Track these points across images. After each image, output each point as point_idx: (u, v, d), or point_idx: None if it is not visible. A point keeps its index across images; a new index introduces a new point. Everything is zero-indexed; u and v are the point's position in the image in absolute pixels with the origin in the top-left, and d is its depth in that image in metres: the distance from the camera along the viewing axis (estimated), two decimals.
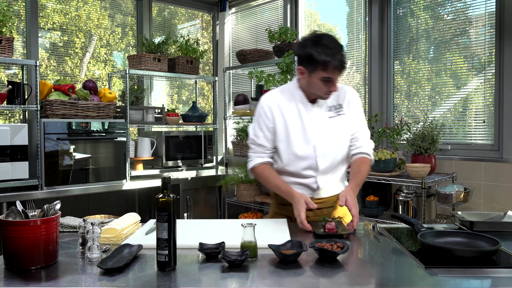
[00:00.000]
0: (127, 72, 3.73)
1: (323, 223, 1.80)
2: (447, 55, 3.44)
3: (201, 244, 1.50)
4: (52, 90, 3.37)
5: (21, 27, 3.77)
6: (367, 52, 3.83)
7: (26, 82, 3.34)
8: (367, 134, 2.04)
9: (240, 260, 1.38)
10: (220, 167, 4.44)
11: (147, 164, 4.05)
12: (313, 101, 1.96)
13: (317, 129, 1.93)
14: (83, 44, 4.16)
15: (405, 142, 3.31)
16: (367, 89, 3.83)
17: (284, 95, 1.99)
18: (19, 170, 3.03)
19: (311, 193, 1.98)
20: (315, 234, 1.72)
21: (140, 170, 3.87)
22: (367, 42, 3.83)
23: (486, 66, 3.22)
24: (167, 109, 4.17)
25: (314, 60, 1.79)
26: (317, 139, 1.93)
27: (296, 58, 3.52)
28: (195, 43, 4.20)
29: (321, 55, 1.77)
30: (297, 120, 1.94)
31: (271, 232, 1.77)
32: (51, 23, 3.97)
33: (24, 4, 3.76)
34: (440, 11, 3.50)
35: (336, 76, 1.83)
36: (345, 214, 1.99)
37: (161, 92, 4.74)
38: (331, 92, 1.88)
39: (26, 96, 3.28)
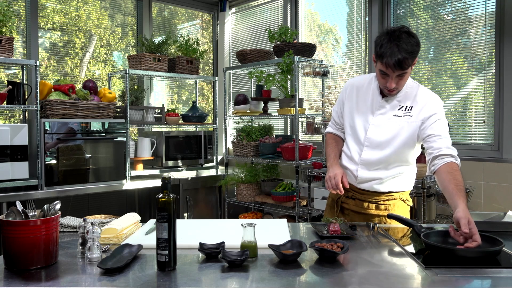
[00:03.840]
0: (127, 72, 3.73)
1: (327, 224, 1.80)
2: (447, 55, 3.44)
3: (201, 244, 1.50)
4: (52, 90, 3.37)
5: (21, 27, 3.77)
6: (367, 52, 3.83)
7: (26, 82, 3.34)
8: (447, 140, 1.83)
9: (240, 260, 1.38)
10: (220, 167, 4.44)
11: (147, 164, 4.05)
12: (384, 94, 1.97)
13: (377, 121, 1.95)
14: (83, 44, 4.16)
15: None
16: None
17: (367, 80, 2.05)
18: (19, 170, 3.03)
19: (353, 181, 2.04)
20: (319, 236, 1.71)
21: (140, 170, 3.87)
22: (367, 42, 3.83)
23: (486, 66, 3.22)
24: (167, 109, 4.17)
25: (377, 50, 1.82)
26: (371, 130, 1.96)
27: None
28: (195, 43, 4.20)
29: (383, 47, 1.78)
30: (365, 108, 2.00)
31: (271, 232, 1.77)
32: (51, 23, 3.97)
33: (24, 4, 3.76)
34: (440, 11, 3.50)
35: (391, 73, 1.80)
36: (381, 218, 2.01)
37: (161, 92, 4.74)
38: (387, 88, 1.86)
39: (26, 96, 3.27)
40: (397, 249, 1.59)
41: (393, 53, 1.75)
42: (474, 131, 3.31)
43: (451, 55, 3.42)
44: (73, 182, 3.33)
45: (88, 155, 3.43)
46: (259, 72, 3.72)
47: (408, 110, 1.92)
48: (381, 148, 1.94)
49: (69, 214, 2.11)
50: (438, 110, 1.89)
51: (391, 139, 1.93)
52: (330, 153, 2.10)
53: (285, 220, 1.97)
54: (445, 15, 3.47)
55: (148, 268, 1.39)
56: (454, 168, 1.73)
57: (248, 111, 4.06)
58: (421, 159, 3.14)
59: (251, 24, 4.87)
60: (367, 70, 3.82)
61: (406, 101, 1.94)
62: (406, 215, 2.06)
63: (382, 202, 2.02)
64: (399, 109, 1.93)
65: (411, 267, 1.40)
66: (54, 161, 3.22)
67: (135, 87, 4.34)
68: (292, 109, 3.60)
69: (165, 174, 1.41)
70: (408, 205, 2.08)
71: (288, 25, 4.40)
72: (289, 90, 3.74)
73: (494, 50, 3.16)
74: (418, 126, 1.89)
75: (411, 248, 1.59)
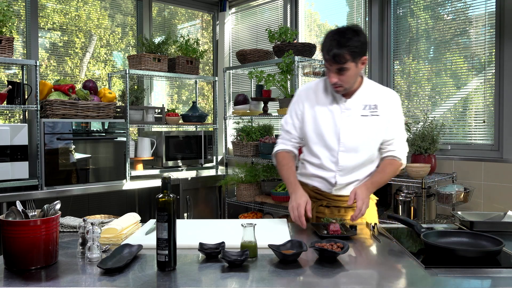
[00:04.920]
0: (127, 72, 3.73)
1: (327, 224, 1.80)
2: (447, 55, 3.44)
3: (201, 244, 1.50)
4: (52, 90, 3.37)
5: (21, 27, 3.77)
6: (367, 52, 3.83)
7: (26, 82, 3.34)
8: (402, 140, 2.00)
9: (240, 260, 1.38)
10: (220, 167, 4.44)
11: (147, 164, 4.05)
12: (348, 95, 1.94)
13: (346, 124, 1.91)
14: (83, 44, 4.16)
15: None
16: None
17: (320, 86, 2.00)
18: (19, 170, 3.03)
19: (329, 188, 1.98)
20: (319, 236, 1.71)
21: (140, 170, 3.87)
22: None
23: (486, 66, 3.22)
24: (167, 109, 4.17)
25: (321, 46, 1.85)
26: (344, 134, 1.91)
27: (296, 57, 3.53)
28: (195, 43, 4.20)
29: (324, 42, 1.82)
30: (328, 112, 1.94)
31: (271, 232, 1.77)
32: (51, 23, 3.97)
33: (24, 4, 3.76)
34: (440, 11, 3.50)
35: (329, 66, 1.82)
36: (364, 217, 1.97)
37: (161, 92, 4.74)
38: (333, 84, 1.85)
39: (26, 96, 3.27)
40: (397, 249, 1.59)
41: (331, 46, 1.78)
42: (474, 131, 3.31)
43: (451, 55, 3.42)
44: (73, 182, 3.33)
45: (88, 155, 3.43)
46: (259, 72, 3.72)
47: (373, 108, 1.92)
48: (356, 150, 1.92)
49: (69, 214, 2.11)
50: (399, 108, 1.98)
51: (365, 140, 1.93)
52: (289, 176, 1.96)
53: (285, 220, 1.97)
54: (445, 15, 3.47)
55: (148, 268, 1.39)
56: (391, 163, 1.97)
57: (248, 111, 4.06)
58: (420, 159, 3.14)
59: (251, 24, 4.87)
60: (367, 70, 3.82)
61: (368, 99, 1.93)
62: (374, 211, 2.07)
63: (355, 205, 1.93)
64: (363, 109, 1.92)
65: (411, 267, 1.40)
66: (54, 161, 3.22)
67: (135, 87, 4.34)
68: None
69: (165, 174, 1.41)
70: (372, 200, 2.06)
71: (288, 25, 4.40)
72: (289, 90, 3.74)
73: (494, 50, 3.16)
74: (386, 125, 1.94)
75: (411, 248, 1.59)
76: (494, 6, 3.15)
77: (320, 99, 1.97)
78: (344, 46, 1.77)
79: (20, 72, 3.53)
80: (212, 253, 1.46)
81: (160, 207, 1.36)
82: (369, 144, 1.94)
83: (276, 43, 3.79)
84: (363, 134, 1.91)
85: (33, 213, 1.46)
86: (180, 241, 1.46)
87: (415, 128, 3.32)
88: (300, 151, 2.12)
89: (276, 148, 2.07)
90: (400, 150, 1.98)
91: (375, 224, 1.89)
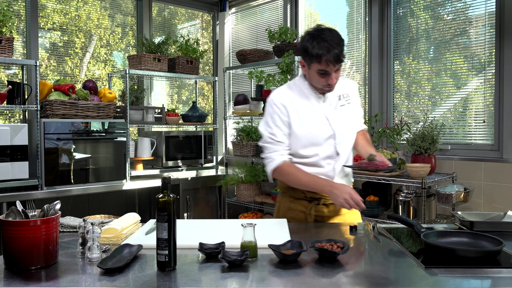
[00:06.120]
0: (127, 72, 3.73)
1: (371, 158, 1.88)
2: (447, 55, 3.44)
3: (201, 244, 1.50)
4: (52, 90, 3.37)
5: (21, 27, 3.77)
6: (367, 52, 3.83)
7: (26, 82, 3.34)
8: (361, 114, 2.20)
9: (240, 260, 1.38)
10: (220, 167, 4.44)
11: (147, 164, 4.05)
12: (322, 92, 1.98)
13: (332, 117, 1.97)
14: (83, 44, 4.16)
15: (405, 142, 3.30)
16: (367, 89, 3.83)
17: (293, 90, 2.01)
18: (19, 170, 3.03)
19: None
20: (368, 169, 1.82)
21: (140, 170, 3.87)
22: (367, 42, 3.83)
23: (486, 66, 3.22)
24: (167, 109, 4.17)
25: (309, 53, 1.82)
26: (335, 126, 1.96)
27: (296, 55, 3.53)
28: (195, 43, 4.20)
29: (315, 48, 1.80)
30: (311, 112, 1.96)
31: (271, 232, 1.77)
32: (51, 23, 3.97)
33: (24, 4, 3.76)
34: (440, 11, 3.50)
35: (332, 69, 1.83)
36: (354, 216, 2.06)
37: (161, 92, 4.74)
38: (329, 85, 1.89)
39: (26, 96, 3.27)
40: (397, 249, 1.59)
41: (329, 49, 1.78)
42: (474, 131, 3.31)
43: (451, 55, 3.42)
44: (73, 182, 3.33)
45: (88, 155, 3.43)
46: (259, 72, 3.73)
47: (346, 97, 2.03)
48: (348, 137, 2.02)
49: (69, 214, 2.11)
50: (357, 91, 2.14)
51: (350, 126, 2.04)
52: (310, 178, 1.92)
53: (285, 220, 1.97)
54: (445, 15, 3.47)
55: (148, 268, 1.39)
56: (364, 133, 2.13)
57: (248, 111, 4.06)
58: (420, 159, 3.14)
59: (251, 24, 4.87)
60: (367, 70, 3.83)
61: (338, 90, 2.01)
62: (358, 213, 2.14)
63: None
64: (339, 99, 2.01)
65: (411, 267, 1.40)
66: (54, 161, 3.22)
67: (135, 87, 4.34)
68: None
69: (165, 174, 1.41)
70: None
71: (288, 25, 4.40)
72: None
73: (494, 50, 3.16)
74: (357, 109, 2.10)
75: (411, 248, 1.59)
76: (494, 6, 3.15)
77: (300, 102, 1.97)
78: (337, 44, 1.81)
79: (20, 72, 3.53)
80: (212, 253, 1.46)
81: (160, 207, 1.35)
82: (352, 128, 2.07)
83: (276, 43, 3.79)
84: (348, 122, 2.02)
85: (33, 213, 1.46)
86: (180, 241, 1.46)
87: (415, 128, 3.32)
88: None
89: (275, 163, 1.95)
90: (362, 122, 2.18)
91: (375, 224, 1.89)
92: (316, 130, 1.95)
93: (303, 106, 1.96)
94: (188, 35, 4.22)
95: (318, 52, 1.79)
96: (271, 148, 1.97)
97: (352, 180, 2.15)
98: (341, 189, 1.84)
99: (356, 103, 2.10)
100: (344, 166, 2.00)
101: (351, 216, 2.06)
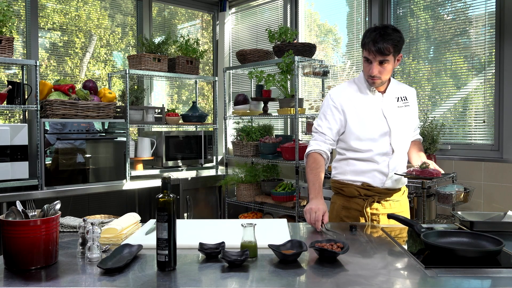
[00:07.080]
0: (127, 72, 3.73)
1: (425, 167, 1.94)
2: (447, 55, 3.44)
3: (201, 244, 1.50)
4: (52, 90, 3.37)
5: (21, 27, 3.77)
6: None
7: (26, 82, 3.34)
8: (418, 124, 2.30)
9: (240, 260, 1.38)
10: (220, 167, 4.44)
11: (147, 164, 4.05)
12: (383, 91, 2.08)
13: (390, 114, 2.05)
14: (83, 44, 4.16)
15: None
16: None
17: (352, 87, 2.11)
18: (19, 170, 3.03)
19: (381, 181, 2.05)
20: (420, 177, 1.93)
21: (140, 170, 3.87)
22: None
23: (486, 66, 3.22)
24: (167, 109, 4.17)
25: (363, 40, 1.98)
26: (391, 123, 2.03)
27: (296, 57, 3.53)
28: (195, 43, 4.20)
29: (366, 37, 1.96)
30: (369, 108, 2.05)
31: (271, 232, 1.77)
32: (51, 23, 3.97)
33: (24, 4, 3.76)
34: (440, 11, 3.50)
35: (373, 58, 1.95)
36: (402, 210, 2.13)
37: (161, 92, 4.74)
38: (371, 77, 1.98)
39: (26, 96, 3.27)
40: (397, 249, 1.59)
41: (375, 39, 1.92)
42: (474, 131, 3.31)
43: (451, 55, 3.42)
44: (73, 182, 3.33)
45: (88, 155, 3.43)
46: (259, 72, 3.72)
47: (404, 100, 2.11)
48: (404, 137, 2.09)
49: (69, 214, 2.11)
50: (415, 98, 2.22)
51: (407, 127, 2.11)
52: (315, 181, 1.98)
53: (285, 220, 1.97)
54: (445, 15, 3.47)
55: (148, 268, 1.39)
56: (419, 143, 2.29)
57: (248, 111, 4.06)
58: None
59: (251, 24, 4.87)
60: None
61: (397, 92, 2.11)
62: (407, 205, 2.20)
63: (399, 198, 2.14)
64: (397, 101, 2.09)
65: (411, 267, 1.40)
66: (54, 161, 3.22)
67: (135, 87, 4.34)
68: (292, 109, 3.60)
69: (165, 174, 1.41)
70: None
71: (288, 25, 4.40)
72: (289, 90, 3.74)
73: (494, 50, 3.16)
74: (414, 114, 2.17)
75: (411, 248, 1.59)
76: (494, 6, 3.15)
77: (358, 98, 2.07)
78: (388, 39, 1.91)
79: (20, 72, 3.53)
80: (212, 253, 1.46)
81: (160, 207, 1.36)
82: (408, 132, 2.14)
83: (276, 43, 3.79)
84: (405, 121, 2.09)
85: (33, 213, 1.46)
86: (180, 241, 1.46)
87: None
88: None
89: (309, 148, 2.09)
90: (419, 133, 2.32)
91: (376, 224, 1.89)
92: (372, 125, 2.03)
93: (360, 101, 2.06)
94: (188, 35, 4.22)
95: (365, 40, 1.96)
96: (314, 136, 2.14)
97: (405, 182, 2.18)
98: (317, 202, 1.89)
99: (414, 110, 2.17)
100: (396, 174, 2.04)
101: (401, 212, 2.11)
